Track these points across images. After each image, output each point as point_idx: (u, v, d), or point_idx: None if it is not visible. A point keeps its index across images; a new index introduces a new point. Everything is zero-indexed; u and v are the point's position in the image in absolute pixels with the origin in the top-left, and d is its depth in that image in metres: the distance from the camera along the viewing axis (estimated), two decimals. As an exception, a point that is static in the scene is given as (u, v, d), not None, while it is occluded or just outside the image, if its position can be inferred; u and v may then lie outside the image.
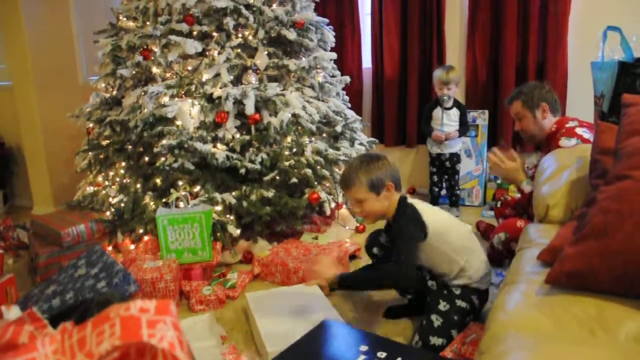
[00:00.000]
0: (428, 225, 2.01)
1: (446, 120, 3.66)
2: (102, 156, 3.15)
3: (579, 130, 2.45)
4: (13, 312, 0.89)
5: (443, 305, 2.03)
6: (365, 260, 3.01)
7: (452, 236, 2.06)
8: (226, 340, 2.18)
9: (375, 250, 2.34)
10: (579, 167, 1.82)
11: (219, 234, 2.80)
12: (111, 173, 3.26)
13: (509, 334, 1.07)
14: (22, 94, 4.08)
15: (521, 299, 1.22)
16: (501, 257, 2.59)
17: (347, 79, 3.69)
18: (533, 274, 1.33)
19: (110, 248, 3.02)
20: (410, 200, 2.09)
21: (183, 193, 2.79)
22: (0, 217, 4.23)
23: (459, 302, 2.04)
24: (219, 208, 2.85)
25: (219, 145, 2.92)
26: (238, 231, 2.90)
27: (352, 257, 3.03)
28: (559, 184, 1.79)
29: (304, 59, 3.24)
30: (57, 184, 4.23)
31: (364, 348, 1.66)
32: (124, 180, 3.10)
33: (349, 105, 3.79)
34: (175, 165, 2.81)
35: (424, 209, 2.06)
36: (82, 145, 3.44)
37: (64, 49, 4.19)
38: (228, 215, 2.91)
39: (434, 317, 2.00)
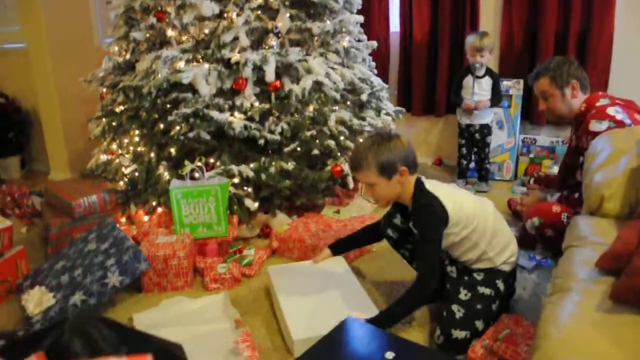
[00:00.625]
0: (449, 212, 1.84)
1: (477, 90, 3.43)
2: (114, 123, 3.01)
3: (610, 110, 2.20)
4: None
5: (464, 294, 1.88)
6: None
7: (474, 220, 1.89)
8: (240, 324, 2.07)
9: (389, 232, 2.18)
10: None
11: (235, 208, 2.66)
12: (126, 140, 3.12)
13: (564, 358, 0.90)
14: (37, 56, 3.95)
15: (576, 312, 1.05)
16: (534, 240, 2.40)
17: (374, 43, 3.46)
18: (589, 282, 1.15)
19: (123, 220, 2.91)
20: (428, 184, 1.91)
21: (198, 164, 2.65)
22: (16, 182, 4.17)
23: (482, 289, 1.88)
24: (236, 180, 2.70)
25: (236, 114, 2.75)
26: (256, 205, 2.76)
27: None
28: (616, 172, 1.57)
29: (328, 22, 3.02)
30: (73, 150, 4.14)
31: (389, 355, 1.50)
32: (138, 149, 2.96)
33: (375, 72, 3.58)
34: (191, 134, 2.65)
35: (443, 192, 1.88)
36: (97, 111, 3.31)
37: (79, 10, 4.03)
38: (246, 188, 2.77)
39: (455, 307, 1.84)
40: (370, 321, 1.79)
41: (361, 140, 3.18)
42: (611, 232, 1.35)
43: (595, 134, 2.12)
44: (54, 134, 4.16)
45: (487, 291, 1.89)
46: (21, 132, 4.53)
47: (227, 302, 2.19)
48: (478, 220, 1.90)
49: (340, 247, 2.30)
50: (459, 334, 1.78)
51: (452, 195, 1.90)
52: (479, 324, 1.81)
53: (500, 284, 1.93)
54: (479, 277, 1.93)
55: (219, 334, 1.97)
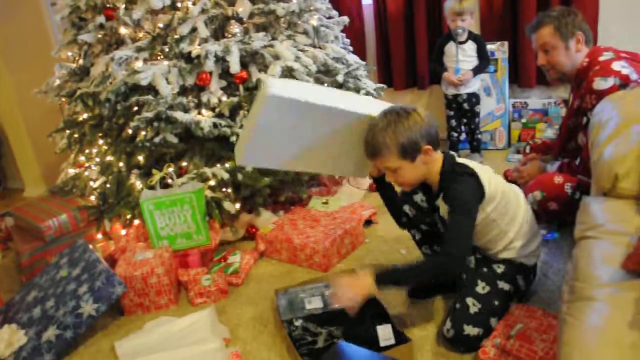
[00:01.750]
0: (485, 186, 1.63)
1: (461, 57, 3.23)
2: (76, 135, 2.80)
3: (615, 65, 1.98)
4: None
5: (482, 287, 1.71)
6: (382, 225, 2.69)
7: (508, 201, 1.71)
8: (229, 342, 1.90)
9: (406, 208, 1.94)
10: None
11: (215, 212, 2.48)
12: (94, 150, 2.92)
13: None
14: (-8, 69, 3.73)
15: (605, 331, 0.85)
16: (537, 216, 2.23)
17: (346, 19, 3.24)
18: (616, 287, 0.95)
19: (100, 236, 2.72)
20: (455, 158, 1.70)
21: (170, 170, 2.46)
22: (-12, 204, 3.97)
23: (502, 284, 1.71)
24: (212, 183, 2.51)
25: (204, 111, 2.54)
26: (237, 206, 2.58)
27: (368, 222, 2.71)
28: (630, 144, 1.36)
29: (293, 1, 2.80)
30: (45, 163, 3.94)
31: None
32: (106, 159, 2.76)
33: (351, 49, 3.37)
34: (157, 139, 2.46)
35: (477, 166, 1.69)
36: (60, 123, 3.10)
37: (32, 18, 3.79)
38: (225, 189, 2.58)
39: (470, 301, 1.67)
40: (376, 280, 1.59)
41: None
42: (631, 217, 1.17)
43: (600, 93, 1.92)
44: (23, 149, 3.97)
45: (506, 287, 1.72)
46: (-10, 150, 4.34)
47: (214, 318, 2.02)
48: (511, 202, 1.72)
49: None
50: (471, 330, 1.62)
51: (486, 171, 1.70)
52: (494, 322, 1.65)
53: (521, 280, 1.78)
54: (499, 269, 1.75)
55: (207, 356, 1.81)
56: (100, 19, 2.56)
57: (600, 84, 1.96)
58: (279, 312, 1.92)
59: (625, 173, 1.37)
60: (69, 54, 2.92)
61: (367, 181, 3.22)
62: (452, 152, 1.72)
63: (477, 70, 3.25)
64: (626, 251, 1.07)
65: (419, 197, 1.89)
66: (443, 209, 1.72)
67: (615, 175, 1.38)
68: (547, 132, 3.29)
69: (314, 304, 1.93)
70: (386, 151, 1.62)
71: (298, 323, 1.83)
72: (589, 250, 1.15)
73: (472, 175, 1.64)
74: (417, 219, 1.93)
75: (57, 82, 2.95)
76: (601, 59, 2.05)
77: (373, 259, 2.37)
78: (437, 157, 1.68)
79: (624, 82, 1.91)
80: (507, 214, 1.71)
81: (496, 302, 1.68)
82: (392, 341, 1.65)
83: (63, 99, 2.94)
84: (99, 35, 2.69)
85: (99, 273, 2.06)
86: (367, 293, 1.61)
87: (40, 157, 3.93)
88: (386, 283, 1.62)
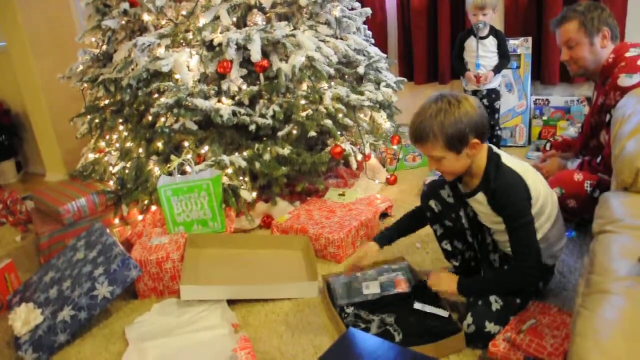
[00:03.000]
0: (530, 189, 1.61)
1: (482, 52, 3.18)
2: (97, 120, 2.83)
3: None
4: None
5: None
6: (398, 217, 2.66)
7: (547, 201, 1.68)
8: (238, 328, 1.91)
9: (432, 203, 1.89)
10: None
11: (231, 200, 2.49)
12: (115, 136, 2.95)
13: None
14: (18, 54, 3.78)
15: (622, 323, 0.84)
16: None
17: (368, 11, 3.22)
18: (634, 282, 0.93)
19: (117, 221, 2.75)
20: (503, 156, 1.67)
21: (189, 156, 2.47)
22: (9, 187, 4.04)
23: None
24: (229, 171, 2.52)
25: (224, 99, 2.55)
26: (253, 195, 2.59)
27: (383, 215, 2.70)
28: None
29: (316, -9, 2.80)
30: (66, 149, 3.98)
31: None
32: (126, 145, 2.79)
33: (372, 41, 3.35)
34: (176, 126, 2.47)
35: (519, 166, 1.65)
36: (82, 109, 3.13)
37: (58, 4, 3.83)
38: (242, 178, 2.59)
39: (492, 298, 1.65)
40: (458, 288, 1.70)
41: (362, 115, 3.01)
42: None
43: (625, 89, 1.89)
44: (46, 134, 4.01)
45: None
46: (13, 134, 4.40)
47: (224, 305, 2.03)
48: (547, 204, 1.68)
49: (386, 239, 2.00)
50: (492, 327, 1.60)
51: (526, 171, 1.66)
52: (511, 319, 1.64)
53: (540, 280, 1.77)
54: None
55: (216, 341, 1.84)
56: (124, 5, 2.59)
57: (625, 80, 1.92)
58: (335, 297, 1.92)
59: (648, 168, 1.34)
60: (93, 39, 2.95)
61: (384, 174, 3.21)
62: (496, 150, 1.68)
63: (496, 70, 3.20)
64: (644, 245, 1.05)
65: (445, 193, 1.86)
66: (479, 206, 1.72)
67: (637, 169, 1.36)
68: (569, 130, 3.23)
69: (371, 289, 1.93)
70: (432, 139, 1.57)
71: (350, 310, 1.82)
72: (607, 244, 1.13)
73: (518, 181, 1.61)
74: (442, 214, 1.88)
75: (80, 67, 2.98)
76: (627, 55, 2.01)
77: (387, 252, 2.35)
78: (483, 150, 1.65)
79: None
80: (543, 214, 1.68)
81: (518, 300, 1.66)
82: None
83: (85, 85, 2.97)
84: (123, 22, 2.71)
85: (114, 256, 2.08)
86: (451, 291, 1.72)
87: (62, 143, 3.98)
88: (469, 290, 1.68)
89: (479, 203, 1.70)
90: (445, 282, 1.74)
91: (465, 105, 1.56)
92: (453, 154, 1.59)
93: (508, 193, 1.60)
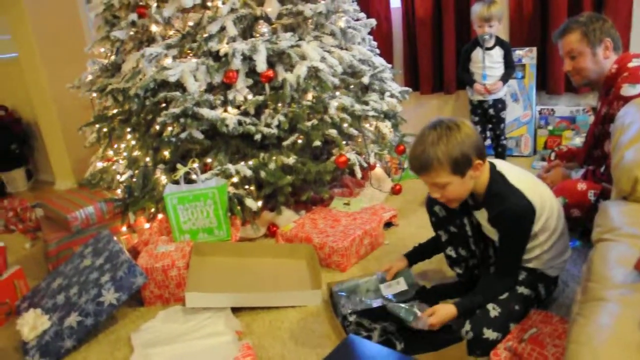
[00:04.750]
0: (536, 209, 1.62)
1: (488, 63, 3.20)
2: (105, 129, 2.87)
3: None
4: None
5: None
6: (402, 227, 2.70)
7: (552, 214, 1.68)
8: (242, 335, 1.93)
9: (437, 209, 1.90)
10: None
11: (237, 209, 2.51)
12: (122, 145, 2.99)
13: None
14: (29, 65, 3.85)
15: (615, 330, 0.84)
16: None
17: (373, 22, 3.26)
18: (629, 289, 0.94)
19: (124, 229, 2.78)
20: (507, 174, 1.66)
21: (195, 165, 2.50)
22: (19, 195, 4.09)
23: (522, 289, 1.70)
24: (235, 180, 2.55)
25: (229, 109, 2.59)
26: (258, 204, 2.61)
27: (388, 224, 2.71)
28: None
29: (321, 2, 2.83)
30: (76, 158, 4.04)
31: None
32: (133, 154, 2.82)
33: (378, 51, 3.38)
34: (183, 135, 2.51)
35: (524, 183, 1.65)
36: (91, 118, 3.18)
37: (68, 15, 3.91)
38: (247, 187, 2.61)
39: (490, 305, 1.66)
40: (457, 306, 1.68)
41: (367, 125, 3.02)
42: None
43: (628, 99, 1.90)
44: (55, 143, 4.07)
45: (526, 292, 1.71)
46: (24, 143, 4.46)
47: (228, 312, 2.05)
48: (553, 217, 1.69)
49: (416, 257, 2.06)
50: (490, 334, 1.61)
51: (533, 185, 1.67)
52: (513, 327, 1.64)
53: (542, 289, 1.76)
54: (520, 276, 1.74)
55: (220, 348, 1.84)
56: (133, 16, 2.63)
57: (628, 90, 1.93)
58: (339, 306, 1.91)
59: (646, 177, 1.35)
60: (102, 50, 3.01)
61: (390, 183, 3.23)
62: (499, 167, 1.69)
63: (502, 80, 3.21)
64: (640, 253, 1.06)
65: None
66: (482, 220, 1.74)
67: (635, 178, 1.36)
68: (575, 140, 3.25)
69: (376, 298, 1.93)
70: (438, 166, 1.57)
71: (352, 318, 1.83)
72: (604, 252, 1.14)
73: (523, 205, 1.61)
74: (446, 220, 1.89)
75: (89, 77, 3.03)
76: (630, 65, 2.02)
77: (391, 261, 2.36)
78: (485, 169, 1.66)
79: None
80: (549, 228, 1.69)
81: (517, 307, 1.66)
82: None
83: (94, 94, 3.02)
84: (131, 33, 2.76)
85: (121, 263, 2.10)
86: (453, 316, 1.68)
87: (71, 152, 4.03)
88: (466, 309, 1.68)
89: (482, 217, 1.73)
90: (444, 313, 1.67)
91: (465, 128, 1.58)
92: (458, 178, 1.60)
93: (512, 220, 1.61)
